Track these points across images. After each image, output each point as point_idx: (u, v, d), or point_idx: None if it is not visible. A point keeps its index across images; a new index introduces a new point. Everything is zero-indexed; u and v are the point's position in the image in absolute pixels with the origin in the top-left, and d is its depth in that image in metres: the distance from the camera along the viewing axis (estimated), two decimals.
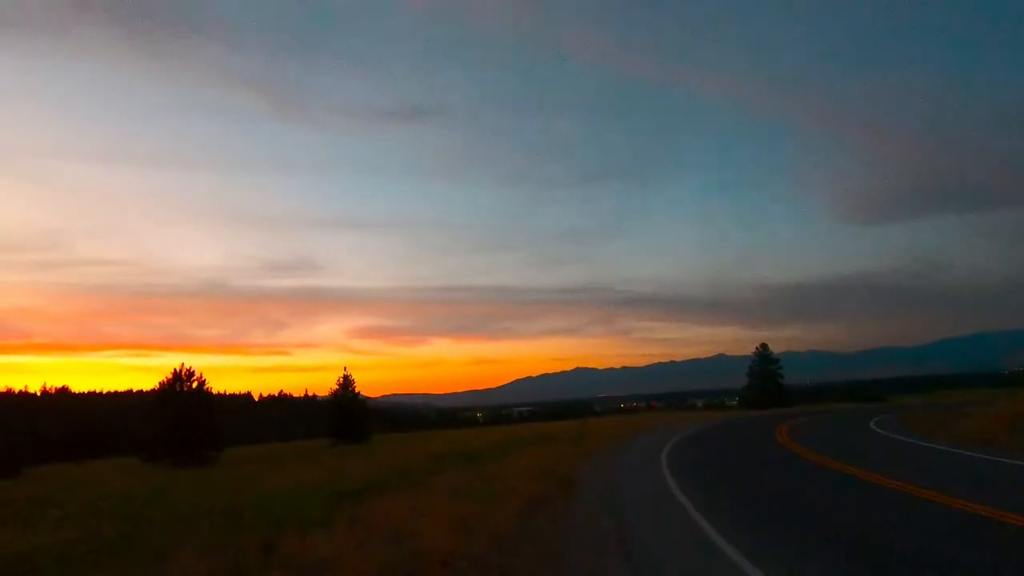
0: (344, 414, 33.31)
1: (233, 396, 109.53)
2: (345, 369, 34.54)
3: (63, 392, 75.60)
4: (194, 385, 26.74)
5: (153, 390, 27.28)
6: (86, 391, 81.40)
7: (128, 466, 25.32)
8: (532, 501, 8.92)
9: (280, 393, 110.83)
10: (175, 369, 26.40)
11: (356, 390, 34.84)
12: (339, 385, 33.86)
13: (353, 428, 33.23)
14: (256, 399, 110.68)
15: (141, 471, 22.86)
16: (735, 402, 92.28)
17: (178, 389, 26.34)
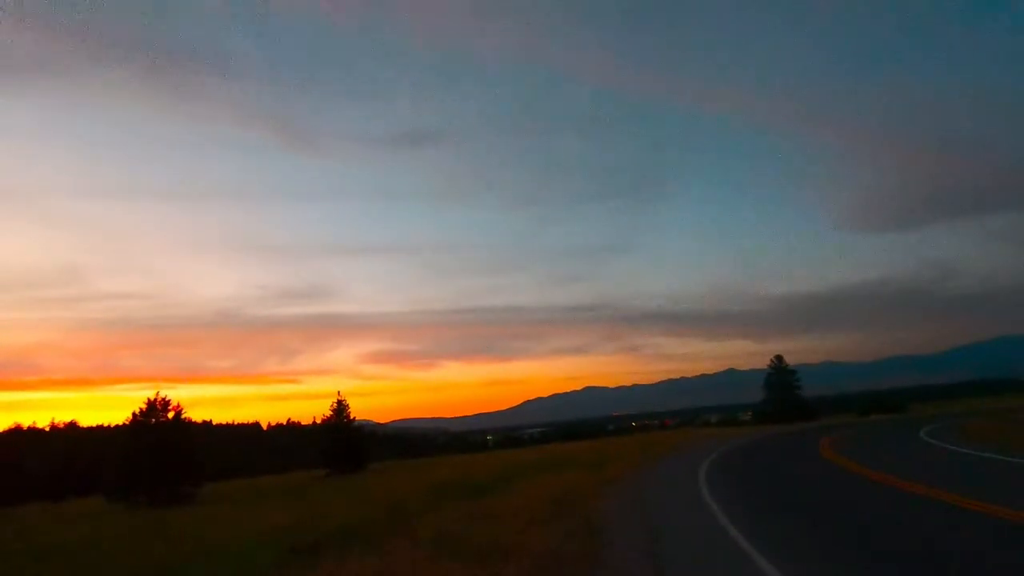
0: (339, 443, 30.72)
1: (241, 426, 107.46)
2: (339, 394, 32.02)
3: (71, 427, 73.43)
4: (171, 415, 24.30)
5: (125, 424, 24.84)
6: (95, 425, 79.09)
7: (96, 507, 22.84)
8: (542, 562, 6.37)
9: (288, 421, 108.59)
10: (148, 398, 24.01)
11: (352, 416, 32.27)
12: (333, 411, 31.31)
13: (349, 457, 30.60)
14: (264, 428, 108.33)
15: (107, 513, 20.38)
16: (748, 416, 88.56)
17: (152, 421, 23.90)
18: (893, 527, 7.29)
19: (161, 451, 22.71)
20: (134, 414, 24.04)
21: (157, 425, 23.80)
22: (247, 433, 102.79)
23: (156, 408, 24.07)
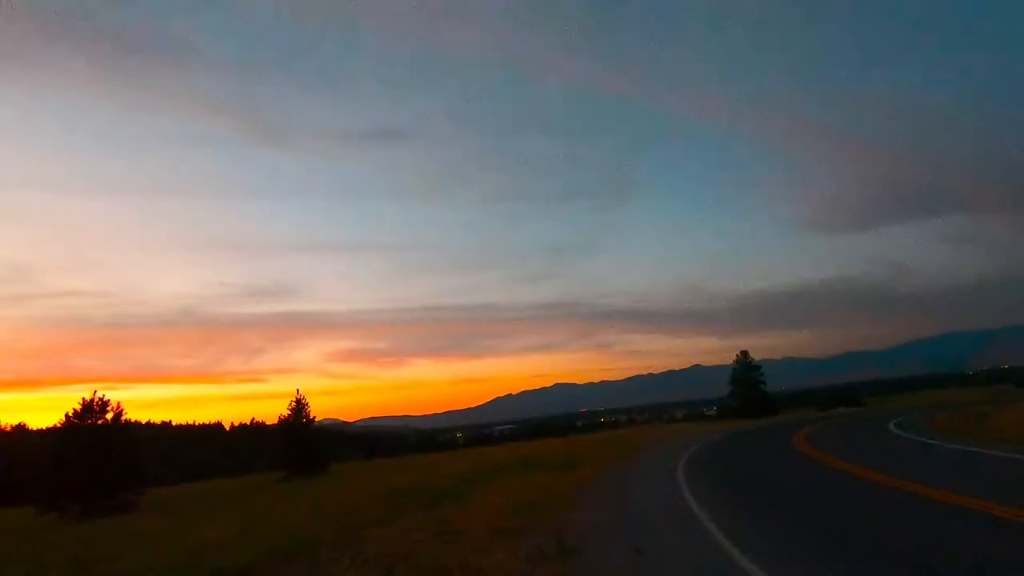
0: (297, 444, 29.16)
1: (203, 427, 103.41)
2: (298, 392, 30.44)
3: (17, 430, 68.99)
4: (109, 417, 22.43)
5: (56, 426, 22.81)
6: (43, 428, 74.43)
7: (22, 519, 20.85)
8: None
9: (252, 422, 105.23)
10: (84, 398, 22.10)
11: (313, 415, 30.74)
12: (290, 411, 29.72)
13: (308, 459, 29.08)
14: (227, 429, 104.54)
15: (30, 527, 18.51)
16: (713, 412, 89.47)
17: (88, 423, 22.00)
18: (900, 530, 6.52)
19: (96, 456, 20.90)
20: (67, 416, 22.10)
21: (93, 427, 21.93)
22: (208, 434, 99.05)
23: (92, 409, 22.20)
